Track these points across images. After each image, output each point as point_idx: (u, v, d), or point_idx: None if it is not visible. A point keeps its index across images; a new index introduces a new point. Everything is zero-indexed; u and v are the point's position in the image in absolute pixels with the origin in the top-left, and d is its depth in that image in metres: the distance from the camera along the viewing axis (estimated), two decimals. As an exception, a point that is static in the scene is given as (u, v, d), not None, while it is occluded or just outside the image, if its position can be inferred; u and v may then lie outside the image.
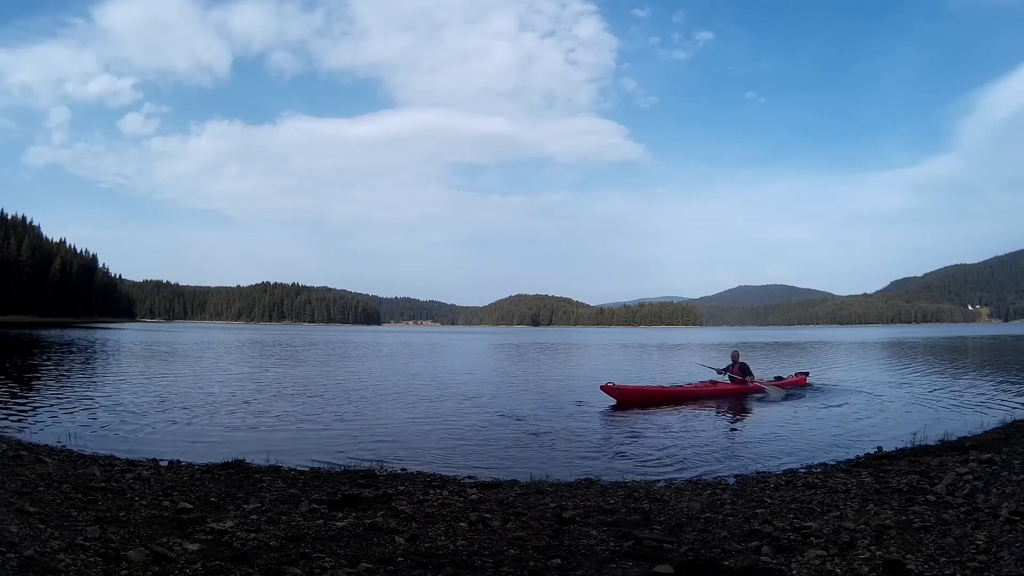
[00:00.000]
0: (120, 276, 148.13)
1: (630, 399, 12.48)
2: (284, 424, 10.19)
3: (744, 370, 14.18)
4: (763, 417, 11.18)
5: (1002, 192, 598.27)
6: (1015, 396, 13.62)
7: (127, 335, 53.31)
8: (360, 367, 23.75)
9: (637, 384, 14.58)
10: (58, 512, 4.37)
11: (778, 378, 15.10)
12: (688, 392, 13.43)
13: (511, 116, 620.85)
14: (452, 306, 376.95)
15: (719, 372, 14.38)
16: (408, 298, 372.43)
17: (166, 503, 4.87)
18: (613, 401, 12.37)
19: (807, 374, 15.87)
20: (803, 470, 6.76)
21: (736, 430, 10.11)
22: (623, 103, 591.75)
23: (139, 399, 12.53)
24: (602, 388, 12.83)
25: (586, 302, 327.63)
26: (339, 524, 4.39)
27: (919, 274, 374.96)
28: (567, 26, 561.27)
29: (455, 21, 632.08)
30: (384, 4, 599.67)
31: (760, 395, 13.59)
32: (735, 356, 14.49)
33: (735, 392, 13.66)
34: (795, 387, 14.68)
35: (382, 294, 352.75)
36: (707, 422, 10.81)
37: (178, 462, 6.74)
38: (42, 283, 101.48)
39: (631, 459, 7.78)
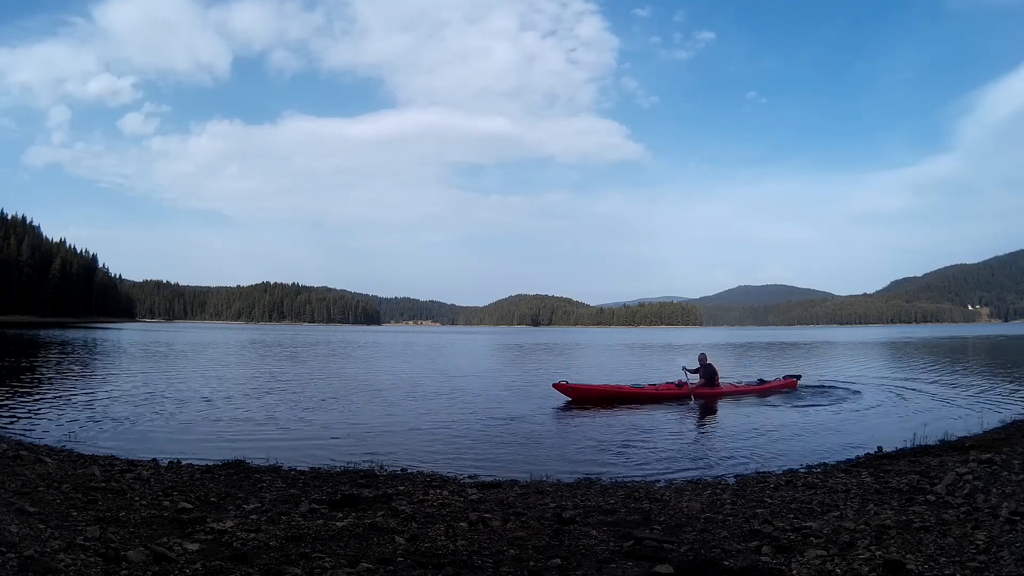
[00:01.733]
0: (120, 276, 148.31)
1: (583, 397, 12.64)
2: (284, 424, 10.19)
3: (711, 373, 13.55)
4: (761, 417, 11.15)
5: (1002, 192, 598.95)
6: (1015, 396, 13.63)
7: (127, 335, 53.31)
8: (360, 368, 23.75)
9: (591, 383, 14.13)
10: (58, 512, 4.37)
11: (762, 380, 14.62)
12: (648, 393, 12.94)
13: (512, 116, 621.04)
14: (452, 306, 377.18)
15: (689, 373, 13.56)
16: (408, 298, 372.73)
17: (166, 503, 4.87)
18: (567, 399, 12.62)
19: (799, 377, 15.22)
20: (803, 470, 6.75)
21: (734, 431, 10.08)
22: (624, 103, 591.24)
23: (139, 399, 12.53)
24: (554, 386, 12.93)
25: (586, 302, 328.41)
26: (339, 524, 4.39)
27: (919, 274, 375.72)
28: (568, 25, 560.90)
29: (456, 21, 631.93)
30: (385, 3, 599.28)
31: (728, 398, 13.07)
32: (702, 359, 13.76)
33: (701, 395, 13.01)
34: (783, 390, 14.23)
35: (382, 294, 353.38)
36: (696, 423, 10.81)
37: (178, 462, 6.74)
38: (42, 283, 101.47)
39: (631, 459, 7.78)
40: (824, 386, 15.54)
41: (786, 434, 9.43)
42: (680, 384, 13.15)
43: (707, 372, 13.50)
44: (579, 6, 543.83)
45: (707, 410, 12.05)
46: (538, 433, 9.49)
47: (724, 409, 12.23)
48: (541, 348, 43.22)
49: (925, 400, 13.29)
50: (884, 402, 13.03)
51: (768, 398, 13.36)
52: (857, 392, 14.68)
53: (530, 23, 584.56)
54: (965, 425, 9.54)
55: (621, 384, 14.00)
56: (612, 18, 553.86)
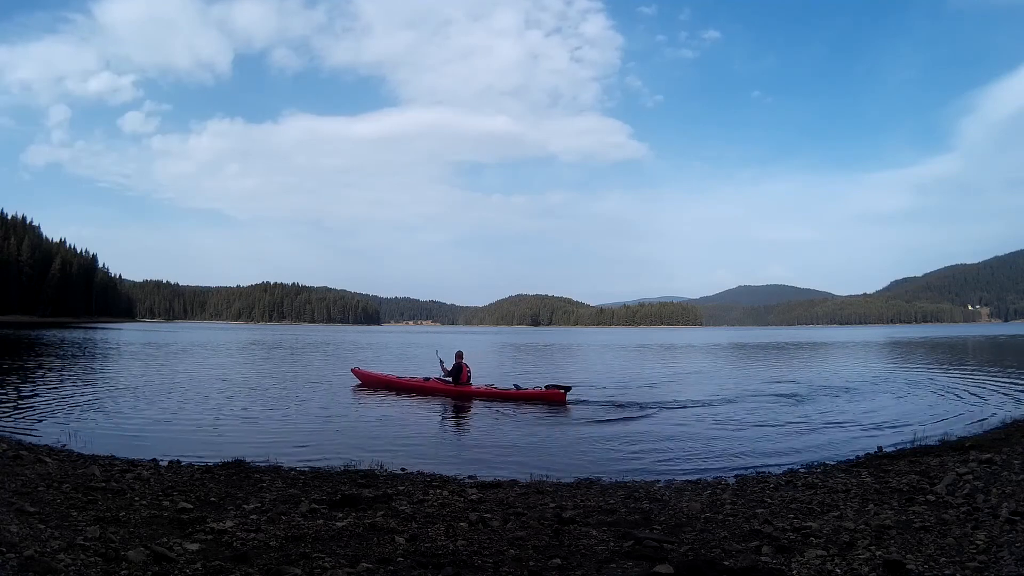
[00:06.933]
0: (120, 276, 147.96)
1: (369, 382, 15.63)
2: (284, 424, 10.19)
3: (458, 371, 13.73)
4: (759, 418, 11.14)
5: (1002, 192, 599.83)
6: (1015, 396, 13.62)
7: (126, 335, 53.29)
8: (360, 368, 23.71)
9: (377, 371, 16.66)
10: (58, 512, 4.37)
11: (517, 387, 13.72)
12: (416, 385, 14.39)
13: (514, 114, 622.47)
14: (452, 306, 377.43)
15: (445, 374, 13.96)
16: (408, 298, 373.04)
17: (166, 503, 4.87)
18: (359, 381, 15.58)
19: (567, 390, 12.91)
20: (803, 470, 6.76)
21: (735, 431, 10.08)
22: (628, 102, 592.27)
23: (139, 399, 12.53)
24: (351, 370, 16.60)
25: (586, 302, 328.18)
26: (339, 524, 4.39)
27: (919, 274, 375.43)
28: (573, 23, 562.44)
29: (459, 18, 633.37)
30: (387, 1, 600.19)
31: (478, 400, 12.82)
32: (459, 357, 13.92)
33: (451, 393, 13.44)
34: (540, 400, 12.66)
35: (382, 294, 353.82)
36: (692, 425, 10.80)
37: (178, 462, 6.75)
38: (42, 283, 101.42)
39: (631, 459, 7.78)
40: (825, 387, 15.49)
41: (785, 434, 9.43)
42: (427, 379, 14.42)
43: (454, 370, 13.83)
44: (584, 4, 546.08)
45: (440, 405, 12.61)
46: (538, 433, 9.49)
47: (723, 411, 11.86)
48: (557, 349, 43.18)
49: (925, 400, 13.28)
50: (883, 402, 13.02)
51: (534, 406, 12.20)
52: (854, 392, 14.69)
53: (534, 21, 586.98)
54: (965, 425, 9.55)
55: (398, 375, 15.70)
56: (617, 16, 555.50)
